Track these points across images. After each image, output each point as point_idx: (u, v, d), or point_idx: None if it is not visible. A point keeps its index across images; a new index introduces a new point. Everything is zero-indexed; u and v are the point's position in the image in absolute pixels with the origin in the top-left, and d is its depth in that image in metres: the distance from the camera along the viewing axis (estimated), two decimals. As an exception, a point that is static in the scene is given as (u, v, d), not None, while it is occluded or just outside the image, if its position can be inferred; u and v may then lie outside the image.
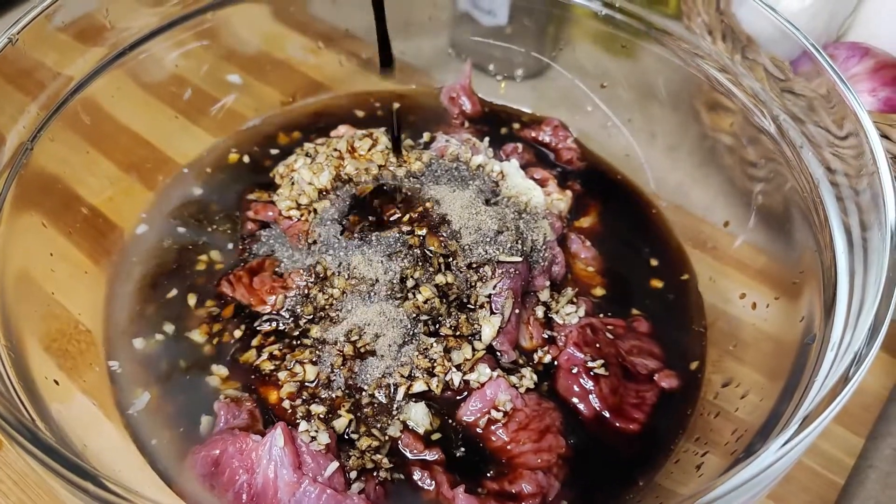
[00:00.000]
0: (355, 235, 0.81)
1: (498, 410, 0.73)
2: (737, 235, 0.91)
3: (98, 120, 0.88)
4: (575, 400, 0.76)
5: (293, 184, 0.89)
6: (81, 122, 0.86)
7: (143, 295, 0.84)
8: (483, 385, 0.74)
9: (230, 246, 0.88)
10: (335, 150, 0.91)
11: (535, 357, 0.80)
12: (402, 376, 0.74)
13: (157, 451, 0.72)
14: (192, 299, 0.83)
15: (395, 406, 0.73)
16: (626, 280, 0.89)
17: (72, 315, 0.80)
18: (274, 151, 1.01)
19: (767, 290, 0.83)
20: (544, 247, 0.84)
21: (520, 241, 0.82)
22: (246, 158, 1.00)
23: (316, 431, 0.69)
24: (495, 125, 1.07)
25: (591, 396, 0.76)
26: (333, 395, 0.73)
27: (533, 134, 1.04)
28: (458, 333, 0.76)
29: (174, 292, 0.84)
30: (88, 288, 0.83)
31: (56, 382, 0.71)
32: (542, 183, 0.94)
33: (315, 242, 0.83)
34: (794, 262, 0.78)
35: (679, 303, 0.88)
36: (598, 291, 0.87)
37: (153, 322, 0.82)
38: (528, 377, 0.77)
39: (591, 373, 0.77)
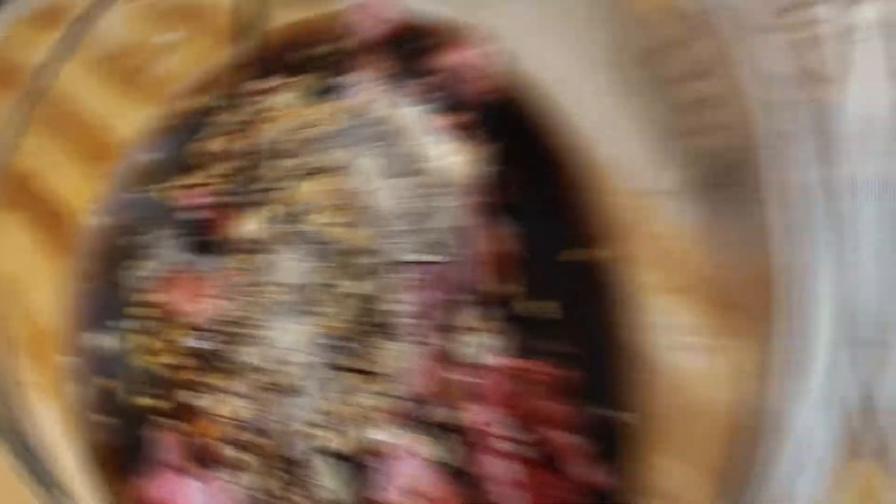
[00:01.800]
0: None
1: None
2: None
3: (58, 109, 0.85)
4: (496, 487, 0.64)
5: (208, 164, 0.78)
6: (42, 113, 0.84)
7: (90, 295, 0.82)
8: (393, 452, 0.65)
9: (171, 242, 0.82)
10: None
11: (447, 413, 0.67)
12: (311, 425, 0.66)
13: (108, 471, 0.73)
14: (133, 305, 0.80)
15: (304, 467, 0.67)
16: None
17: (37, 315, 0.79)
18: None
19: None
20: (462, 235, 0.69)
21: (436, 233, 0.68)
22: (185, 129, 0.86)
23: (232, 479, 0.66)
24: (404, 55, 0.84)
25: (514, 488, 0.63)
26: (245, 438, 0.68)
27: (452, 59, 0.80)
28: (358, 368, 0.66)
29: (118, 294, 0.81)
30: (55, 287, 0.82)
31: (23, 386, 0.73)
32: (455, 138, 0.74)
33: (229, 238, 0.74)
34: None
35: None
36: (519, 295, 0.72)
37: (97, 325, 0.79)
38: (441, 444, 0.66)
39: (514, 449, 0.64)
